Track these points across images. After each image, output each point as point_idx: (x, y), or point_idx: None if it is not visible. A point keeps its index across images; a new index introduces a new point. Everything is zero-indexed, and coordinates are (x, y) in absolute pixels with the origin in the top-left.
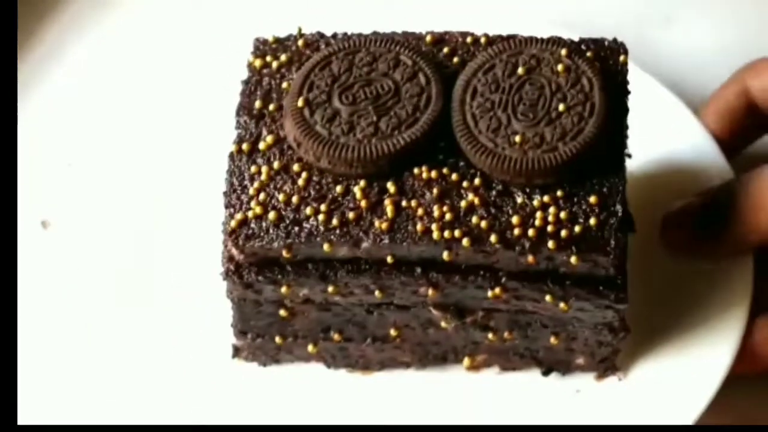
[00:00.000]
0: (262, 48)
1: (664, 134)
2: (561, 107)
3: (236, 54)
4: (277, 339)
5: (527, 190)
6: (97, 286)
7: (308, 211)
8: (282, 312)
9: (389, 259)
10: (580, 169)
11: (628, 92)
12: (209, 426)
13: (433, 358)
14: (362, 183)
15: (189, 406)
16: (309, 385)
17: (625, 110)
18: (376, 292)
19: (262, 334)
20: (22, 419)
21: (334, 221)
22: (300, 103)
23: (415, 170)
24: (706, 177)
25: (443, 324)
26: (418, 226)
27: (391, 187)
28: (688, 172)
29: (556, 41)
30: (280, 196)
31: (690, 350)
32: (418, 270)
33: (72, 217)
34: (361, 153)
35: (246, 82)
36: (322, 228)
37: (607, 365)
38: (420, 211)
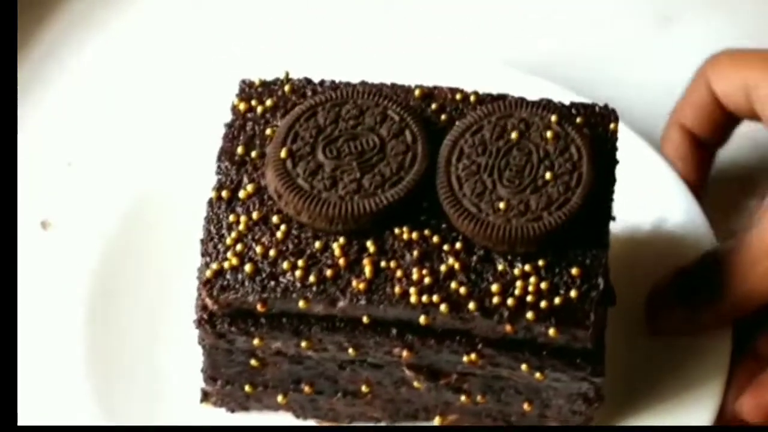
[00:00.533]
0: (247, 91)
1: (648, 197)
2: (548, 175)
3: (237, 54)
4: (247, 387)
5: (509, 258)
6: (97, 287)
7: (285, 265)
8: (253, 362)
9: (365, 319)
10: (563, 239)
11: (617, 161)
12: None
13: (404, 415)
14: (342, 240)
15: None
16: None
17: (613, 180)
18: (350, 350)
19: (232, 382)
20: (22, 420)
21: (311, 278)
22: (283, 153)
23: (396, 230)
24: (689, 243)
25: (416, 384)
26: (396, 289)
27: (371, 246)
28: (670, 238)
29: (546, 105)
30: (258, 248)
31: (664, 418)
32: (394, 331)
33: (72, 218)
34: (342, 210)
35: (229, 126)
36: (298, 284)
37: None
38: (399, 273)
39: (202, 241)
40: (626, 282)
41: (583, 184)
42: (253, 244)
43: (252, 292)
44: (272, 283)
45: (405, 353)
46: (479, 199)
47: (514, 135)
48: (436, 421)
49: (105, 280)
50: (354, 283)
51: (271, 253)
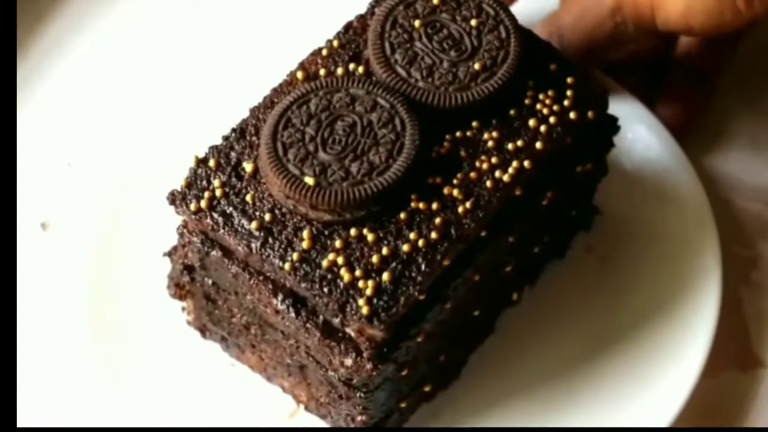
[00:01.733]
0: (189, 197)
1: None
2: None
3: (235, 53)
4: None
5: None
6: (97, 287)
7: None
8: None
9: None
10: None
11: None
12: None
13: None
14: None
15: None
16: None
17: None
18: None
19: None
20: (22, 421)
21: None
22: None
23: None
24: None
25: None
26: None
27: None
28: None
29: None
30: (374, 258)
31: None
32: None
33: (71, 218)
34: (328, 197)
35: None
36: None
37: None
38: None
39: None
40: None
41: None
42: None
43: (411, 285)
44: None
45: None
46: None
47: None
48: None
49: (104, 281)
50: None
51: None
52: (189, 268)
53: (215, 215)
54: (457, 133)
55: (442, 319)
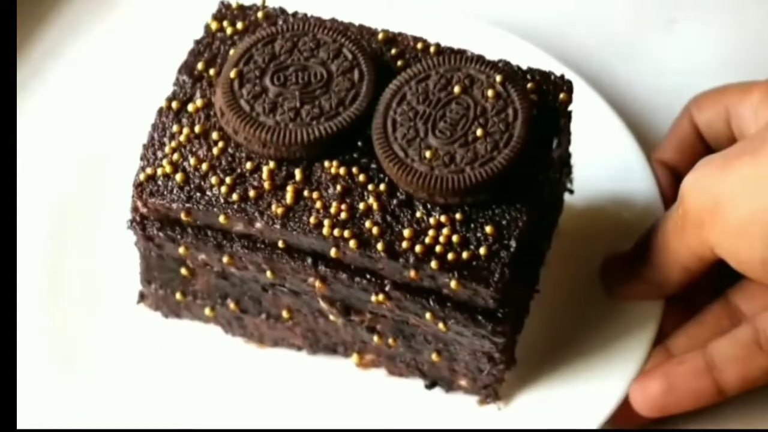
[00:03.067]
0: (223, 12)
1: (612, 170)
2: (479, 132)
3: None
4: (178, 295)
5: (429, 206)
6: (96, 288)
7: (213, 180)
8: (183, 270)
9: (281, 244)
10: (484, 196)
11: (561, 131)
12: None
13: (323, 347)
14: (272, 164)
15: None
16: (203, 345)
17: (549, 147)
18: (268, 273)
19: (165, 287)
20: (22, 423)
21: (235, 196)
22: (232, 74)
23: (326, 163)
24: (646, 216)
25: (331, 317)
26: (312, 219)
27: (298, 174)
28: (628, 210)
29: (496, 65)
30: (192, 160)
31: (579, 386)
32: (309, 260)
33: (72, 219)
34: (276, 136)
35: (197, 42)
36: (222, 200)
37: (488, 392)
38: (318, 204)
39: (144, 146)
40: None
41: (512, 147)
42: (189, 156)
43: (178, 200)
44: (198, 194)
45: (318, 284)
46: (408, 145)
47: (457, 89)
48: (354, 359)
49: (104, 282)
50: (273, 207)
51: (204, 166)
52: None
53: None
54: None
55: None
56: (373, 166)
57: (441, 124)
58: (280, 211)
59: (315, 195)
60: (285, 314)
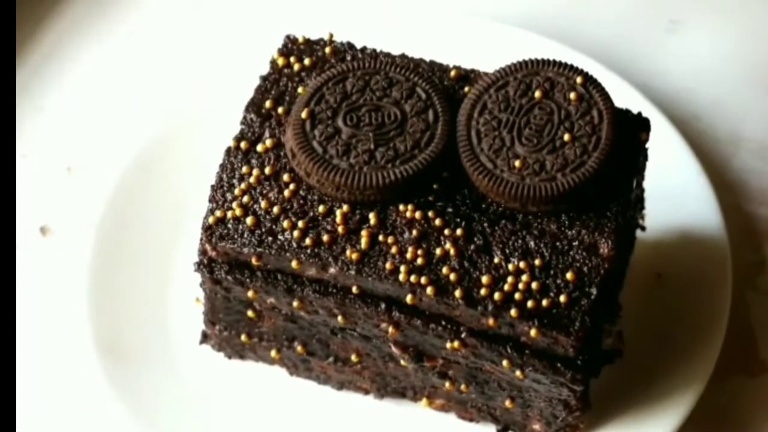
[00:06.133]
0: (289, 47)
1: (679, 203)
2: (567, 137)
3: (237, 58)
4: (243, 337)
5: (507, 251)
6: (96, 291)
7: (285, 224)
8: (250, 312)
9: (355, 289)
10: (577, 202)
11: (639, 170)
12: None
13: (392, 390)
14: (345, 208)
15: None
16: (268, 386)
17: (635, 167)
18: (339, 317)
19: (230, 329)
20: (21, 426)
21: (308, 240)
22: (304, 114)
23: (401, 207)
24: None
25: (402, 362)
26: (388, 264)
27: (373, 218)
28: (692, 246)
29: (573, 67)
30: (263, 203)
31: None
32: (382, 306)
33: (71, 223)
34: (350, 178)
35: (264, 79)
36: (294, 244)
37: None
38: (394, 249)
39: (212, 187)
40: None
41: (601, 148)
42: (260, 198)
43: (249, 244)
44: (269, 239)
45: (391, 329)
46: (496, 155)
47: (537, 93)
48: (423, 403)
49: (104, 284)
50: (348, 251)
51: (275, 209)
52: None
53: None
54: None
55: None
56: (450, 210)
57: (526, 132)
58: (354, 256)
59: (390, 240)
60: (354, 358)
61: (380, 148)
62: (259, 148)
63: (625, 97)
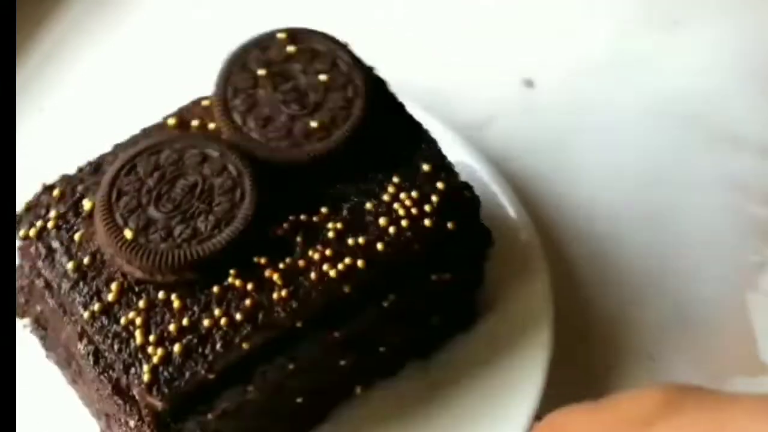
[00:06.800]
0: (24, 221)
1: None
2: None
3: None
4: None
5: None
6: None
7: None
8: None
9: None
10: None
11: None
12: None
13: None
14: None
15: None
16: None
17: None
18: None
19: None
20: (21, 426)
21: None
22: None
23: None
24: None
25: None
26: None
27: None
28: None
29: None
30: (172, 327)
31: None
32: None
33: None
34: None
35: (29, 261)
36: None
37: None
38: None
39: (112, 358)
40: None
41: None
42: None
43: (200, 362)
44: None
45: None
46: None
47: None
48: None
49: None
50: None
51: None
52: (22, 290)
53: (40, 246)
54: (302, 216)
55: (248, 400)
56: None
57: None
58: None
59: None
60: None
61: (180, 225)
62: (110, 298)
63: None
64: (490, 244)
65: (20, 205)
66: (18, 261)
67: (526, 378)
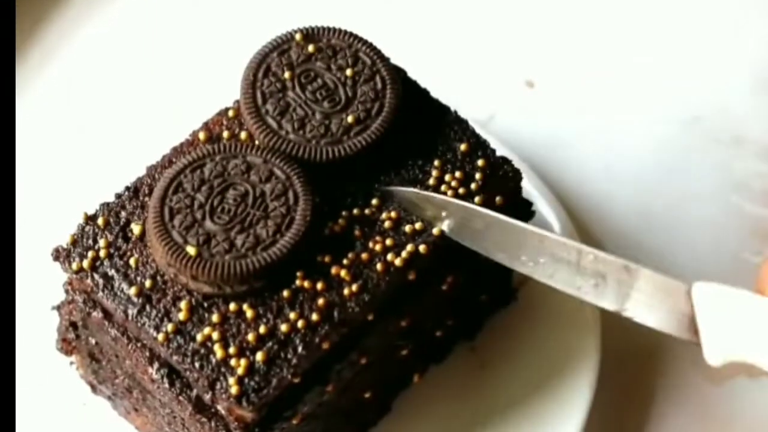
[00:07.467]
0: (73, 254)
1: None
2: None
3: (236, 53)
4: None
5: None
6: None
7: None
8: None
9: None
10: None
11: None
12: None
13: None
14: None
15: None
16: None
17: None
18: None
19: None
20: (21, 426)
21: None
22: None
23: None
24: None
25: None
26: None
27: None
28: None
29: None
30: (250, 336)
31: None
32: None
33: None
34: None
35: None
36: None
37: None
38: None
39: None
40: None
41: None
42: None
43: (284, 369)
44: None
45: None
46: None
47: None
48: None
49: None
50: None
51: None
52: (74, 325)
53: (96, 276)
54: (354, 211)
55: (325, 401)
56: None
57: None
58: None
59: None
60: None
61: (240, 235)
62: (181, 317)
63: None
64: (532, 216)
65: (20, 205)
66: (66, 298)
67: (582, 348)
